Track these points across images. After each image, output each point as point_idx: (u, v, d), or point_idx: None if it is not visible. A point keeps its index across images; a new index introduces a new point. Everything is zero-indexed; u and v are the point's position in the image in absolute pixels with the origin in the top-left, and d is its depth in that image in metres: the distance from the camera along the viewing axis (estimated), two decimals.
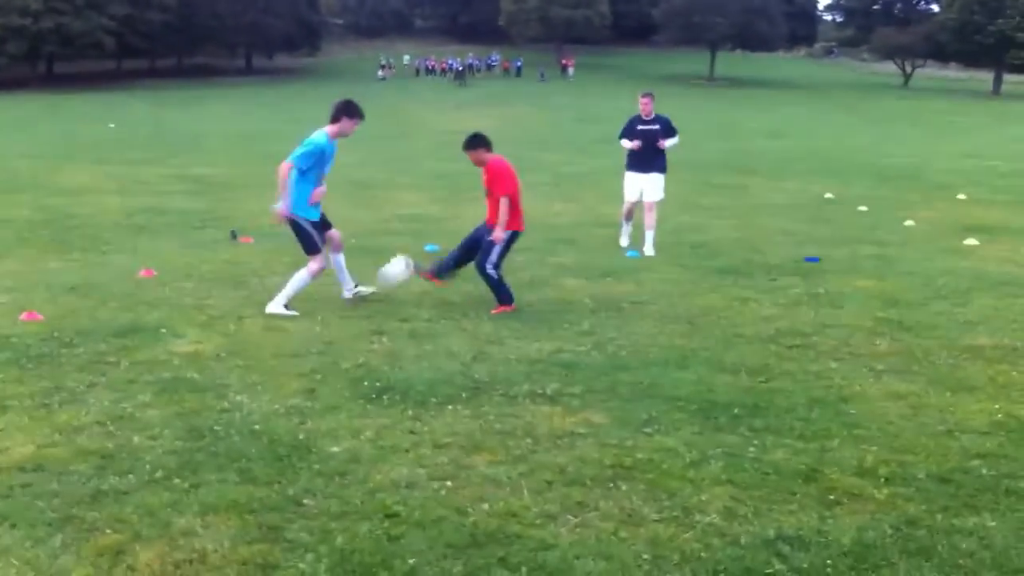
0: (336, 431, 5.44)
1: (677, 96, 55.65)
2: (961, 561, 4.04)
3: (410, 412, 5.79)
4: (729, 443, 5.34)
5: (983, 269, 11.21)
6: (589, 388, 6.31)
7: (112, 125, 37.64)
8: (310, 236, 8.41)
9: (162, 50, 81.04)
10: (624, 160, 12.52)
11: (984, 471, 5.01)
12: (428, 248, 11.81)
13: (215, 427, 5.46)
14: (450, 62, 79.59)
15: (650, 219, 12.15)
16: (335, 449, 5.16)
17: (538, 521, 4.34)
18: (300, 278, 8.43)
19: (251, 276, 10.09)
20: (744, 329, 8.08)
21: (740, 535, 4.23)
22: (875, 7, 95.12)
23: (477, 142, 8.69)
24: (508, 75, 79.08)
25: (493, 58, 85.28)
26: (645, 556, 4.03)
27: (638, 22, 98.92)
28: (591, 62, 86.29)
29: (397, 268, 8.81)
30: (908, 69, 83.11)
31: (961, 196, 19.18)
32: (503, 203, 8.56)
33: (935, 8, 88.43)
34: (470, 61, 79.80)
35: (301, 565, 3.91)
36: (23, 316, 8.00)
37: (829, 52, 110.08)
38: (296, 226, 8.37)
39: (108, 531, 4.18)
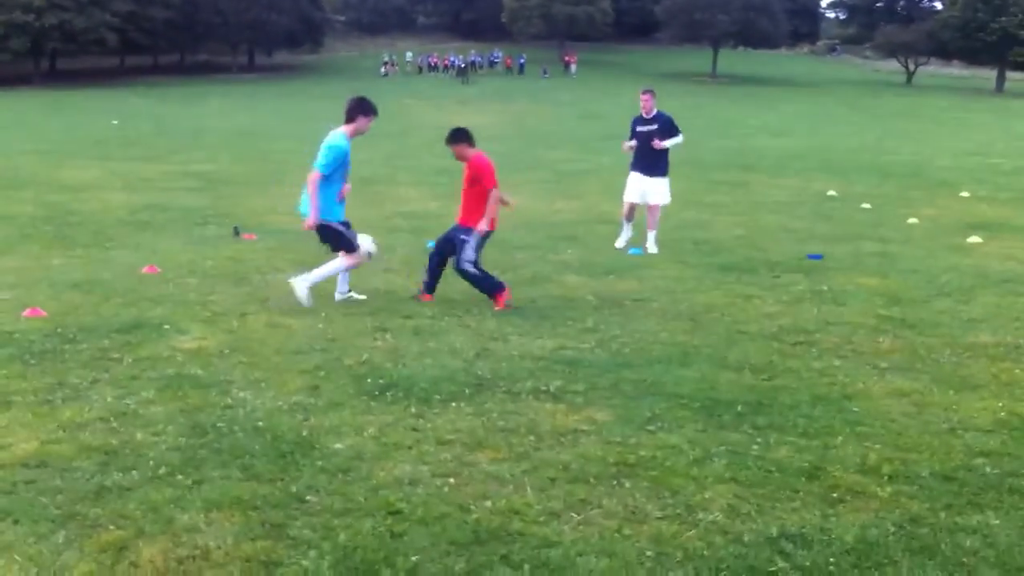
0: (339, 428, 5.44)
1: (679, 93, 55.63)
2: (964, 559, 4.03)
3: (413, 409, 5.79)
4: (732, 441, 5.33)
5: (986, 267, 11.20)
6: (592, 385, 6.31)
7: (115, 121, 37.61)
8: (342, 236, 8.47)
9: (165, 47, 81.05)
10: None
11: (988, 469, 5.01)
12: (430, 244, 11.79)
13: (218, 423, 5.47)
14: (452, 59, 79.54)
15: (652, 220, 12.07)
16: (338, 446, 5.16)
17: (541, 518, 4.34)
18: (334, 265, 8.45)
19: (254, 273, 10.09)
20: (747, 326, 8.08)
21: (743, 533, 4.23)
22: (878, 4, 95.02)
23: (460, 136, 8.72)
24: (511, 72, 79.03)
25: (495, 55, 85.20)
26: (648, 553, 4.03)
27: (640, 19, 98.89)
28: (593, 59, 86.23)
29: (367, 245, 8.95)
30: (911, 67, 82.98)
31: (964, 193, 19.17)
32: (492, 195, 8.61)
33: (938, 6, 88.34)
34: (472, 58, 79.73)
35: (304, 562, 3.91)
36: (26, 312, 8.00)
37: (832, 50, 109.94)
38: (326, 230, 8.40)
39: (111, 527, 4.18)
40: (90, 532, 4.14)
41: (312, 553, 3.97)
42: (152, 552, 3.96)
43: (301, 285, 8.36)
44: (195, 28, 77.67)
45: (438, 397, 6.00)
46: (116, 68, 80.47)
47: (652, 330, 7.89)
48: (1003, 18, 72.67)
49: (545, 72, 75.31)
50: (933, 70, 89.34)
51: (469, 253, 8.64)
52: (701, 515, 4.40)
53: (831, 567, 3.95)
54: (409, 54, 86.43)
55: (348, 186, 8.55)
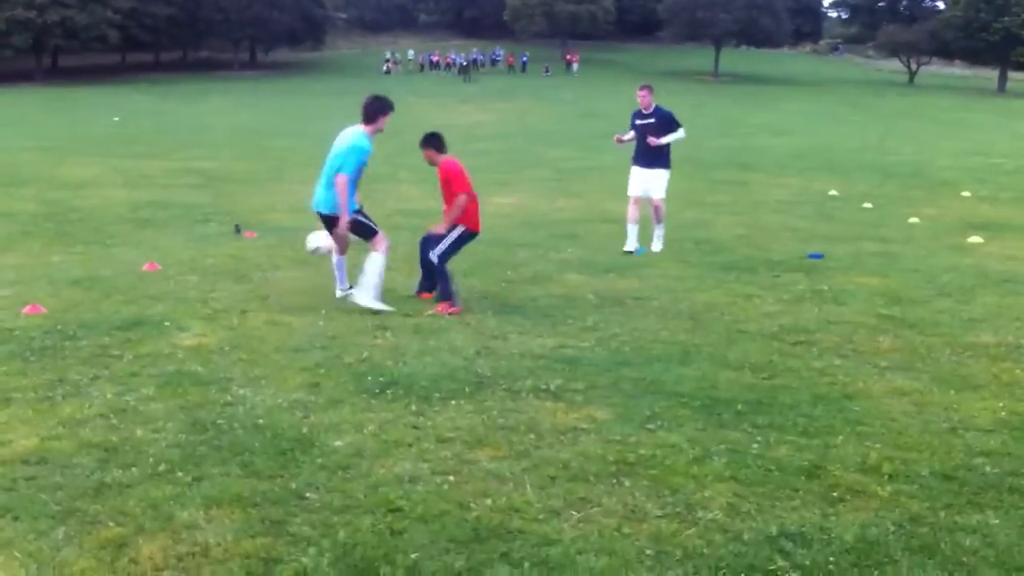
0: (339, 425, 5.44)
1: (681, 92, 55.59)
2: (964, 559, 4.03)
3: (413, 407, 5.78)
4: (732, 439, 5.33)
5: (987, 266, 11.19)
6: (592, 384, 6.31)
7: (116, 119, 37.64)
8: (364, 225, 8.44)
9: (167, 44, 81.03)
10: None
11: (988, 469, 5.01)
12: None
13: (218, 420, 5.47)
14: (453, 57, 79.48)
15: (657, 215, 11.98)
16: (338, 443, 5.16)
17: (541, 516, 4.34)
18: (377, 263, 8.38)
19: (255, 270, 10.09)
20: (747, 325, 8.08)
21: (743, 531, 4.22)
22: (880, 4, 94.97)
23: (428, 142, 8.75)
24: (513, 70, 78.98)
25: (497, 53, 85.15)
26: (648, 552, 4.03)
27: (642, 17, 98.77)
28: (595, 57, 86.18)
29: (319, 242, 9.15)
30: (913, 66, 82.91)
31: (965, 193, 19.16)
32: (458, 200, 8.65)
33: (940, 5, 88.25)
34: (474, 56, 79.68)
35: (304, 559, 3.91)
36: (26, 309, 8.00)
37: (834, 49, 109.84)
38: (352, 224, 8.36)
39: (111, 524, 4.18)
40: (90, 528, 4.14)
41: (312, 550, 3.97)
42: (152, 549, 3.96)
43: (364, 299, 8.28)
44: (197, 25, 77.65)
45: (438, 395, 6.00)
46: (118, 65, 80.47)
47: (652, 329, 7.89)
48: (1006, 18, 72.56)
49: (547, 71, 75.28)
50: (935, 70, 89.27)
51: (443, 247, 8.67)
52: (701, 514, 4.40)
53: (831, 566, 3.95)
54: (411, 52, 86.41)
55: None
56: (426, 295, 8.88)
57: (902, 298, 9.26)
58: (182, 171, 20.66)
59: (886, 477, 4.86)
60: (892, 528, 4.28)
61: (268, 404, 5.78)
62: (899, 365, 6.97)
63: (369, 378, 6.30)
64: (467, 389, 6.13)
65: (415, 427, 5.44)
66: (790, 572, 3.90)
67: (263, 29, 79.12)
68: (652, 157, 11.96)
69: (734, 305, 8.86)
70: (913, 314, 8.58)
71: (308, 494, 4.51)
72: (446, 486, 4.64)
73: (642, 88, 12.08)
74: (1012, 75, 77.90)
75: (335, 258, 8.82)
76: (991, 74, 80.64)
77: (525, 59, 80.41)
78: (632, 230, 12.06)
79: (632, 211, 12.08)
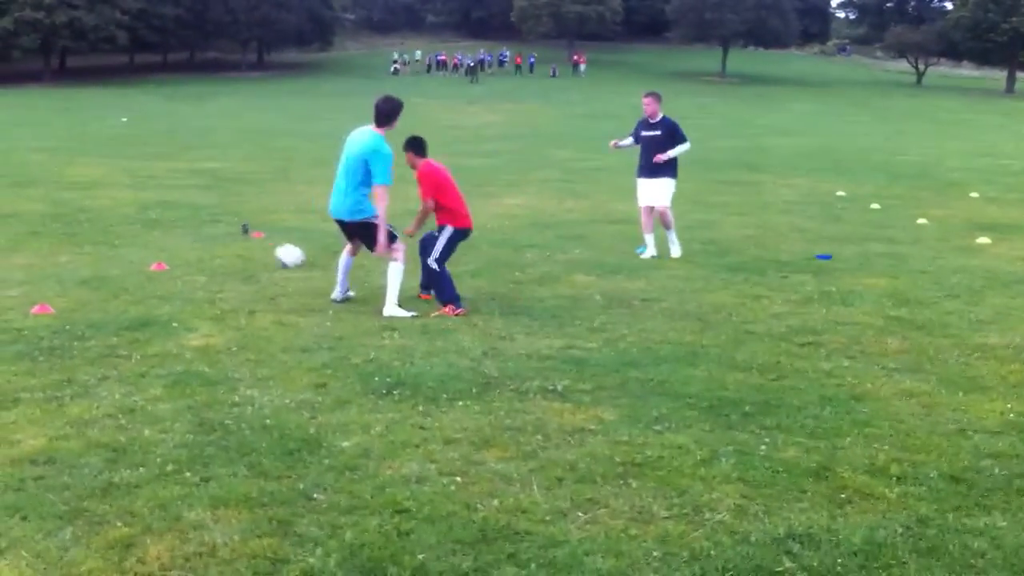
0: (346, 426, 5.44)
1: (689, 93, 55.61)
2: (972, 561, 4.02)
3: (420, 407, 5.79)
4: (740, 441, 5.32)
5: (995, 268, 11.16)
6: (599, 385, 6.31)
7: (124, 119, 37.74)
8: (386, 232, 8.40)
9: (175, 44, 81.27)
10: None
11: (996, 471, 4.99)
12: None
13: (226, 421, 5.47)
14: (460, 57, 79.52)
15: (664, 221, 11.59)
16: (345, 444, 5.17)
17: (548, 517, 4.33)
18: (398, 273, 8.36)
19: (262, 271, 10.11)
20: (755, 326, 8.07)
21: (750, 533, 4.22)
22: (888, 4, 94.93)
23: (410, 145, 8.76)
24: (520, 71, 78.99)
25: (504, 54, 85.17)
26: (655, 553, 4.02)
27: (650, 18, 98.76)
28: (603, 58, 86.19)
29: (291, 256, 10.35)
30: (921, 67, 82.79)
31: (974, 194, 19.11)
32: (424, 205, 8.76)
33: (948, 6, 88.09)
34: (481, 57, 79.72)
35: (311, 559, 3.91)
36: (35, 309, 8.03)
37: (842, 49, 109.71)
38: (372, 228, 8.35)
39: (118, 524, 4.19)
40: (97, 528, 4.15)
41: (319, 550, 3.98)
42: (159, 549, 3.97)
43: (391, 310, 8.25)
44: (205, 26, 77.87)
45: (445, 396, 6.00)
46: (126, 66, 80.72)
47: (660, 330, 7.88)
48: (1014, 19, 72.40)
49: (554, 72, 75.29)
50: (943, 71, 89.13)
51: (437, 251, 8.69)
52: (708, 515, 4.39)
53: (838, 568, 3.94)
54: (418, 53, 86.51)
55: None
56: (427, 296, 8.90)
57: (910, 299, 9.24)
58: (190, 172, 20.69)
59: (894, 479, 4.85)
60: (900, 530, 4.27)
61: (275, 404, 5.79)
62: (907, 367, 6.95)
63: (376, 379, 6.31)
64: (474, 390, 6.13)
65: (422, 428, 5.45)
66: (797, 574, 3.90)
67: (271, 30, 79.32)
68: (657, 167, 11.52)
69: (742, 306, 8.85)
70: (921, 315, 8.56)
71: (315, 495, 4.52)
72: (453, 487, 4.64)
73: (647, 95, 11.61)
74: (1020, 76, 77.66)
75: (345, 259, 8.74)
76: (999, 75, 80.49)
77: (532, 60, 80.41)
78: (649, 239, 11.72)
79: (645, 221, 11.76)
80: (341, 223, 8.52)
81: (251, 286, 9.32)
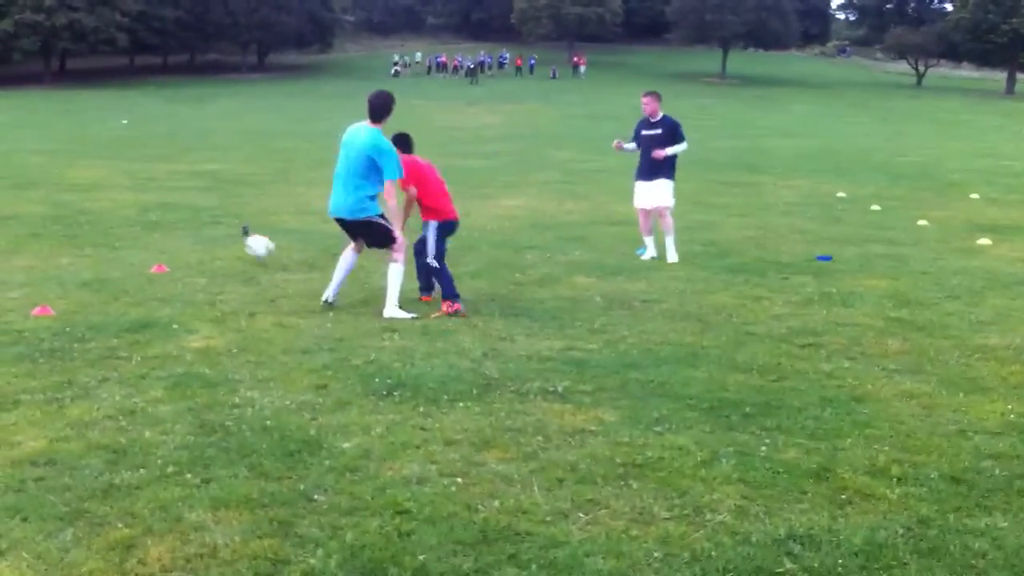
0: (347, 427, 5.45)
1: (689, 94, 55.62)
2: (973, 561, 4.02)
3: (421, 409, 5.79)
4: (740, 442, 5.32)
5: (996, 269, 11.16)
6: (600, 386, 6.31)
7: (125, 121, 37.75)
8: (389, 229, 8.41)
9: (175, 46, 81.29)
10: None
11: (996, 471, 4.99)
12: None
13: (226, 422, 5.48)
14: (460, 59, 79.55)
15: (664, 225, 11.49)
16: (346, 445, 5.17)
17: (548, 518, 4.33)
18: (399, 273, 8.36)
19: (262, 272, 10.11)
20: (755, 328, 8.07)
21: (751, 534, 4.22)
22: (888, 6, 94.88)
23: (396, 142, 8.79)
24: (520, 73, 79.01)
25: (504, 56, 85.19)
26: (656, 554, 4.03)
27: (650, 20, 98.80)
28: (603, 60, 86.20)
29: (260, 246, 10.49)
30: (921, 68, 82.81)
31: (974, 195, 19.10)
32: (405, 197, 8.82)
33: (948, 7, 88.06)
34: (481, 58, 79.73)
35: (311, 560, 3.91)
36: (35, 311, 8.03)
37: (841, 51, 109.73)
38: (377, 226, 8.35)
39: (119, 525, 4.19)
40: (98, 530, 4.15)
41: (319, 552, 3.98)
42: (160, 550, 3.97)
43: (392, 312, 8.24)
44: (205, 28, 77.90)
45: (446, 397, 6.01)
46: (126, 68, 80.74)
47: (660, 331, 7.89)
48: (1014, 20, 72.39)
49: (554, 73, 75.31)
50: (943, 72, 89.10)
51: (430, 247, 8.74)
52: (709, 516, 4.39)
53: (839, 569, 3.94)
54: (418, 54, 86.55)
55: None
56: (427, 298, 8.90)
57: (911, 300, 9.24)
58: (190, 173, 20.70)
59: (894, 480, 4.85)
60: (901, 531, 4.27)
61: (276, 406, 5.79)
62: (908, 368, 6.95)
63: (377, 380, 6.31)
64: (475, 391, 6.13)
65: (423, 429, 5.45)
66: (798, 575, 3.90)
67: (271, 32, 79.36)
68: (655, 169, 11.42)
69: (742, 307, 8.85)
70: (922, 317, 8.56)
71: (316, 496, 4.52)
72: (454, 488, 4.64)
73: (646, 95, 11.49)
74: (1020, 77, 77.66)
75: (347, 258, 8.67)
76: (999, 76, 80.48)
77: (532, 62, 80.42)
78: (649, 241, 11.69)
79: (643, 222, 11.71)
80: (342, 222, 8.49)
81: (251, 288, 9.32)
